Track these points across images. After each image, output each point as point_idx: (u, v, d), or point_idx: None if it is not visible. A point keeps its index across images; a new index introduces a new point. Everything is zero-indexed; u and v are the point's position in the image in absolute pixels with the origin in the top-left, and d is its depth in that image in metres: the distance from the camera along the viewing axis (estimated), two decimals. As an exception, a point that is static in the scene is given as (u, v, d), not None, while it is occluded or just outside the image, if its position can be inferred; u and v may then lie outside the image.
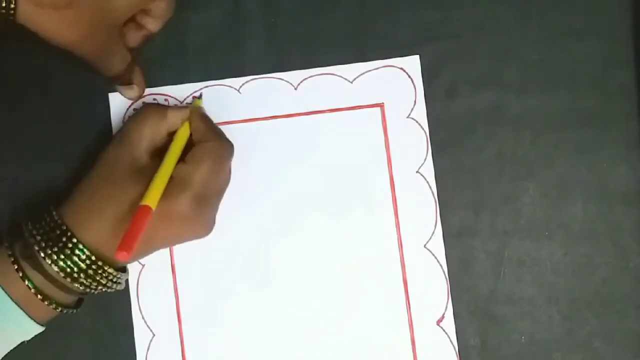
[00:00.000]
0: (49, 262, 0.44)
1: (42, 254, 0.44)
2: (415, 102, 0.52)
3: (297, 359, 0.51)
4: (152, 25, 0.50)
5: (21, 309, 0.44)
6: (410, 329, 0.52)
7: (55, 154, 0.52)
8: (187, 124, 0.49)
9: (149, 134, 0.48)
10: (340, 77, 0.52)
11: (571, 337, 0.51)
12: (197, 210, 0.46)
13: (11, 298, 0.44)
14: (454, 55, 0.52)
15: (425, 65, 0.52)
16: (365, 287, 0.52)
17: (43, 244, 0.44)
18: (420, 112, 0.52)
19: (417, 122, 0.52)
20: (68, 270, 0.44)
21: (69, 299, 0.46)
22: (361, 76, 0.52)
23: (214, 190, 0.48)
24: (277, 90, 0.53)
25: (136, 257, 0.48)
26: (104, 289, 0.47)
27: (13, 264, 0.44)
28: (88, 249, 0.44)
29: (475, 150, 0.52)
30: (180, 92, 0.52)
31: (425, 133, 0.52)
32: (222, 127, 0.51)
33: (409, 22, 0.52)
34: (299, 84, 0.52)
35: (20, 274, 0.44)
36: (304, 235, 0.52)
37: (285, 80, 0.53)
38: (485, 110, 0.52)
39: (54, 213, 0.46)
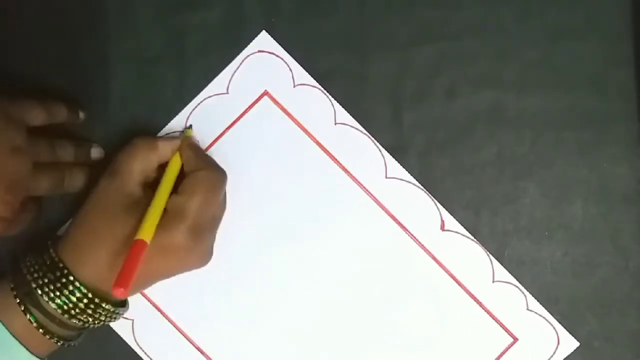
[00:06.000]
0: (47, 299, 0.44)
1: (40, 292, 0.44)
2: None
3: None
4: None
5: (22, 344, 0.44)
6: (410, 329, 0.52)
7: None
8: (178, 155, 0.49)
9: (140, 168, 0.48)
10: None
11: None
12: (194, 241, 0.46)
13: (11, 333, 0.44)
14: (454, 55, 0.52)
15: (425, 65, 0.52)
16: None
17: (40, 282, 0.44)
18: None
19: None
20: (65, 307, 0.45)
21: (70, 332, 0.46)
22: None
23: (209, 220, 0.47)
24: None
25: (135, 291, 0.48)
26: (103, 323, 0.47)
27: (15, 298, 0.45)
28: (85, 287, 0.45)
29: (475, 150, 0.52)
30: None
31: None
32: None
33: (409, 22, 0.52)
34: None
35: (22, 308, 0.44)
36: (306, 247, 0.52)
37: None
38: (485, 110, 0.52)
39: (51, 251, 0.46)
